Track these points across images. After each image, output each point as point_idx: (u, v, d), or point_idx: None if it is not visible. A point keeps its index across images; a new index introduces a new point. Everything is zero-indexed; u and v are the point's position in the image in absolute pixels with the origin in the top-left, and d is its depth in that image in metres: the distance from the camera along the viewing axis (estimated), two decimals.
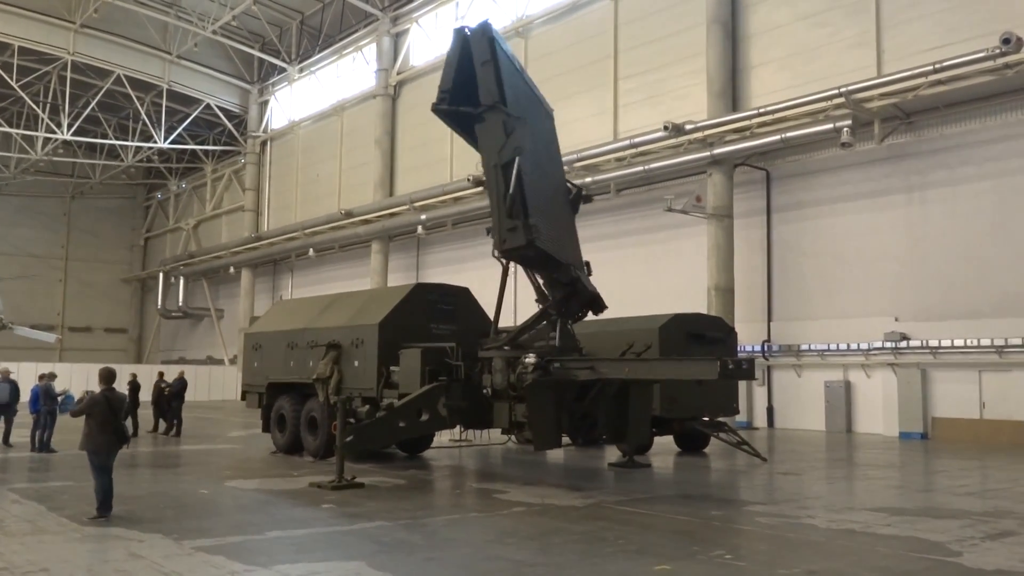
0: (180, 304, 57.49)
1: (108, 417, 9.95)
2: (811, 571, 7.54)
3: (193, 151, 55.79)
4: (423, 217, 36.45)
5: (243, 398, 19.96)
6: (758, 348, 25.93)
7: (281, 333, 18.32)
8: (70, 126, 47.56)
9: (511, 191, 12.10)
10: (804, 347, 25.28)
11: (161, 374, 24.60)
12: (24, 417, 19.25)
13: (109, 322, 64.69)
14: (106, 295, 64.68)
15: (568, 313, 13.53)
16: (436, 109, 13.51)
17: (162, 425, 23.40)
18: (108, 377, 10.28)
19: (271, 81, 50.75)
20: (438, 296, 16.42)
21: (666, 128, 26.32)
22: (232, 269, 50.98)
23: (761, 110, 24.89)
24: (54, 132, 48.03)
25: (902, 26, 23.46)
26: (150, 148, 53.15)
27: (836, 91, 22.83)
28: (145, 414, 23.73)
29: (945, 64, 20.92)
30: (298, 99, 49.08)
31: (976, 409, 21.67)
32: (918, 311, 22.99)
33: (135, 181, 65.01)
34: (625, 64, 30.57)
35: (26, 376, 25.27)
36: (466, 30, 13.14)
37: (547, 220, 12.83)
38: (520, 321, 14.31)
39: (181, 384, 23.40)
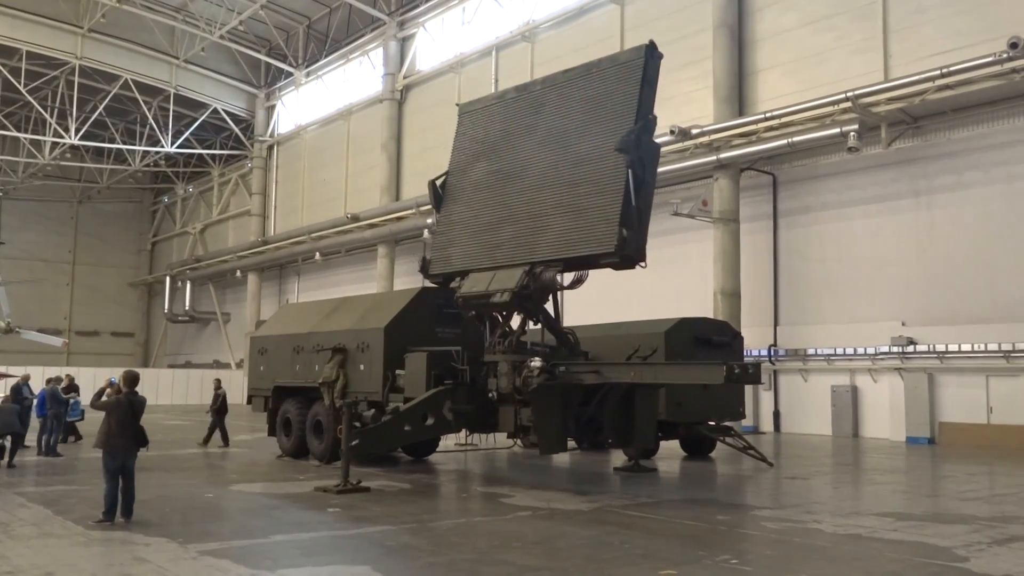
0: (187, 308, 57.65)
1: (129, 420, 9.96)
2: None
3: (200, 155, 55.97)
4: (429, 221, 36.33)
5: (249, 402, 20.00)
6: (764, 352, 25.87)
7: (287, 337, 18.33)
8: (78, 131, 47.72)
9: None
10: (811, 351, 25.21)
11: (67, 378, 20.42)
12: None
13: (116, 326, 64.90)
14: (113, 299, 64.89)
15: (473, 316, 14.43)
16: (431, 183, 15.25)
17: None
18: (132, 380, 10.28)
19: (278, 85, 50.90)
20: (444, 300, 16.37)
21: (672, 132, 26.27)
22: (239, 273, 51.07)
23: (768, 114, 24.87)
24: (62, 136, 48.22)
25: (909, 30, 23.42)
26: (157, 152, 53.34)
27: (843, 95, 22.80)
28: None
29: (952, 68, 20.89)
30: (305, 103, 49.15)
31: (983, 414, 21.57)
32: (925, 315, 22.91)
33: (142, 185, 65.23)
34: None
35: (34, 381, 25.15)
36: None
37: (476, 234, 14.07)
38: (533, 325, 14.31)
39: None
